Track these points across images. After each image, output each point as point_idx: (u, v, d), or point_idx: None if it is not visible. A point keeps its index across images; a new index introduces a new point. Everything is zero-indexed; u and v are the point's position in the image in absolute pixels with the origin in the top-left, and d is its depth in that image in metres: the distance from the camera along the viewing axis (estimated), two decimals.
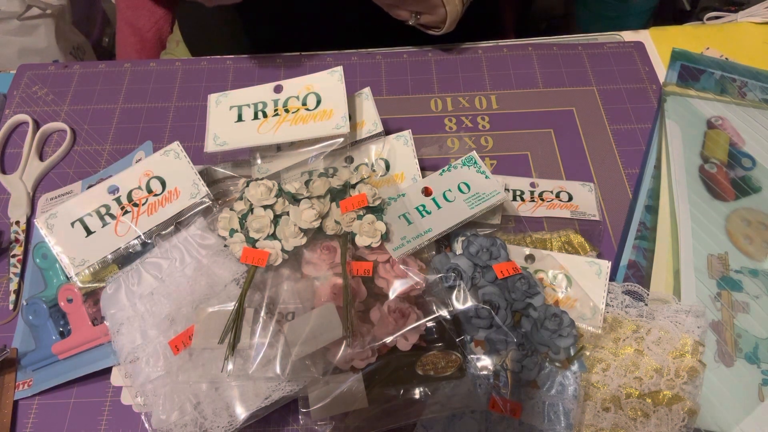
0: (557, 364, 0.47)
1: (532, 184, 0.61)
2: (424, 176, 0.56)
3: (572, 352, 0.48)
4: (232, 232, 0.49)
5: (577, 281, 0.51)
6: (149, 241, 0.51)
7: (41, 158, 0.66)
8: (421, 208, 0.53)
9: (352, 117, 0.58)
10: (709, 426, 0.49)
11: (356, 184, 0.52)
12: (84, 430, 0.50)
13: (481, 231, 0.55)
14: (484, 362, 0.46)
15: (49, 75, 0.73)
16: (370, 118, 0.58)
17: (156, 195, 0.53)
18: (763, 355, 0.52)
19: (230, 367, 0.45)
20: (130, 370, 0.47)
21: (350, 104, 0.58)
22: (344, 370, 0.46)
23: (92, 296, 0.51)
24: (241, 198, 0.50)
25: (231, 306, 0.46)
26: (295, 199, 0.51)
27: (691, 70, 0.70)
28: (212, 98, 0.58)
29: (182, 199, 0.52)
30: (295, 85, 0.58)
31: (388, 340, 0.46)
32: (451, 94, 0.70)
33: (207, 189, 0.53)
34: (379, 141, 0.58)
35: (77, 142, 0.67)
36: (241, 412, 0.45)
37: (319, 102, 0.56)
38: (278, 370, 0.45)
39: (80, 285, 0.51)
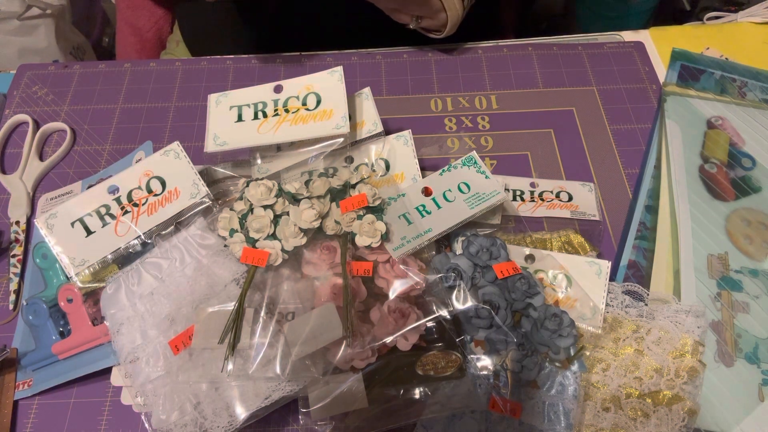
0: (557, 364, 0.47)
1: (532, 184, 0.61)
2: (424, 176, 0.56)
3: (572, 352, 0.48)
4: (232, 232, 0.49)
5: (577, 281, 0.51)
6: (149, 241, 0.51)
7: (41, 158, 0.66)
8: (421, 208, 0.53)
9: (352, 117, 0.58)
10: (709, 426, 0.49)
11: (356, 184, 0.52)
12: (84, 430, 0.50)
13: (481, 231, 0.55)
14: (484, 362, 0.46)
15: (49, 75, 0.73)
16: (370, 118, 0.58)
17: (156, 195, 0.53)
18: (763, 355, 0.52)
19: (230, 367, 0.45)
20: (130, 370, 0.47)
21: (350, 104, 0.58)
22: (344, 370, 0.46)
23: (92, 296, 0.51)
24: (241, 198, 0.50)
25: (231, 306, 0.46)
26: (295, 199, 0.51)
27: (691, 70, 0.70)
28: (212, 98, 0.58)
29: (182, 199, 0.52)
30: (295, 85, 0.58)
31: (388, 340, 0.46)
32: (451, 94, 0.70)
33: (207, 189, 0.53)
34: (379, 141, 0.58)
35: (77, 142, 0.67)
36: (241, 412, 0.45)
37: (319, 102, 0.56)
38: (278, 370, 0.45)
39: (80, 285, 0.51)
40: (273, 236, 0.49)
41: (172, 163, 0.54)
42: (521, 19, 1.03)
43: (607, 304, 0.51)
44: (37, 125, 0.68)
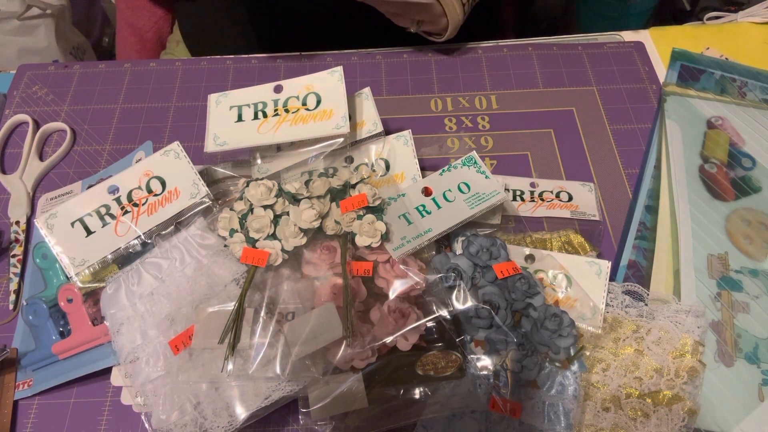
0: (557, 364, 0.47)
1: (532, 184, 0.61)
2: (424, 176, 0.56)
3: (572, 352, 0.48)
4: (232, 232, 0.49)
5: (577, 281, 0.51)
6: (149, 241, 0.51)
7: (41, 158, 0.66)
8: (421, 208, 0.53)
9: (352, 117, 0.58)
10: (709, 426, 0.49)
11: (356, 184, 0.52)
12: (84, 430, 0.50)
13: (481, 231, 0.55)
14: (484, 362, 0.46)
15: (49, 75, 0.73)
16: (370, 118, 0.58)
17: (156, 195, 0.53)
18: (763, 355, 0.52)
19: (230, 367, 0.45)
20: (130, 370, 0.47)
21: (350, 104, 0.58)
22: (344, 370, 0.46)
23: (92, 296, 0.51)
24: (241, 198, 0.50)
25: (231, 306, 0.46)
26: (295, 199, 0.51)
27: (691, 70, 0.70)
28: (212, 98, 0.58)
29: (182, 199, 0.52)
30: (295, 85, 0.58)
31: (388, 340, 0.46)
32: (451, 94, 0.70)
33: (207, 189, 0.53)
34: (379, 141, 0.58)
35: (77, 142, 0.67)
36: (241, 412, 0.45)
37: (319, 102, 0.56)
38: (278, 370, 0.45)
39: (80, 285, 0.51)
40: (273, 236, 0.49)
41: (172, 163, 0.54)
42: (521, 19, 1.03)
43: (607, 304, 0.51)
44: (37, 125, 0.68)
